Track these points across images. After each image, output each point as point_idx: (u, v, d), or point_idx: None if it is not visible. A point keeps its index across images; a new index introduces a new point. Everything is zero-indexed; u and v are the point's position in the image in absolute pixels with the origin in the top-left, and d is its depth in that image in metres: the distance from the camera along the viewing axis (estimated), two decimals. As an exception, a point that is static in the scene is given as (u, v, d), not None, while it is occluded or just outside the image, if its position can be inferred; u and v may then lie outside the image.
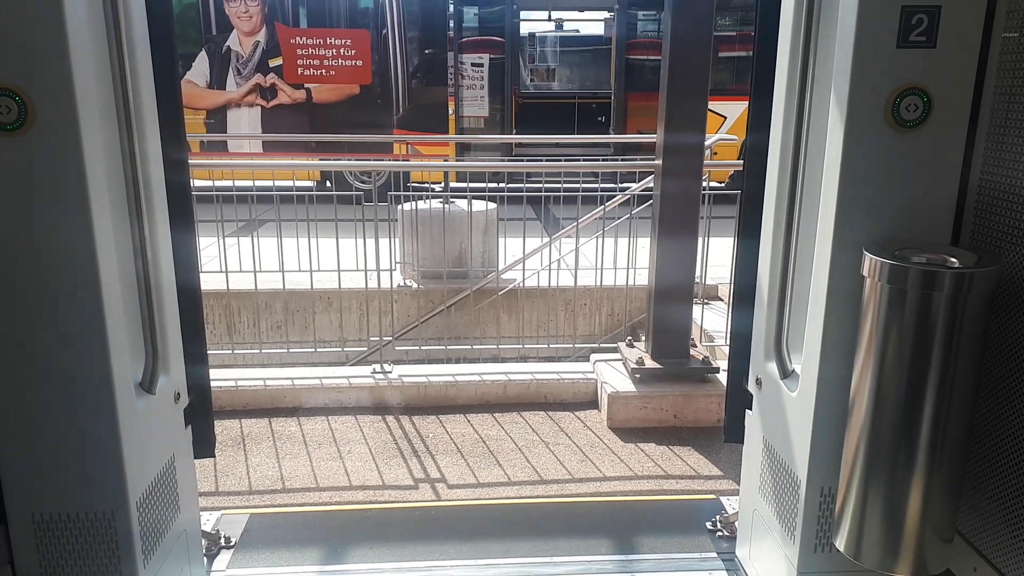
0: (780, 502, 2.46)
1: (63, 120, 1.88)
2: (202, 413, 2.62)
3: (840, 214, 2.07)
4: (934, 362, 1.89)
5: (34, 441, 2.09)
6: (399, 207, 6.45)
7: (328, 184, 6.88)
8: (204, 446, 2.68)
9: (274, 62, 9.09)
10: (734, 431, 2.78)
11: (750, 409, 2.68)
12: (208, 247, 6.04)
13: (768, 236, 2.47)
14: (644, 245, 5.50)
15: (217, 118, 9.42)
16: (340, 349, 5.62)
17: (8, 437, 2.09)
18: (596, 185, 6.34)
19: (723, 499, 3.31)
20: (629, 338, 5.17)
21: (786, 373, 2.39)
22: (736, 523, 2.95)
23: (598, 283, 5.88)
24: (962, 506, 2.14)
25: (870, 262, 1.95)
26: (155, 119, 2.31)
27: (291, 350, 5.50)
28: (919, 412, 1.93)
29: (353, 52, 9.02)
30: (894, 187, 2.06)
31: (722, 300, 6.47)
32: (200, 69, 9.02)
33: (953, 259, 1.91)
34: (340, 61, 9.09)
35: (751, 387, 2.65)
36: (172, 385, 2.46)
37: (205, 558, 2.78)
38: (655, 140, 4.58)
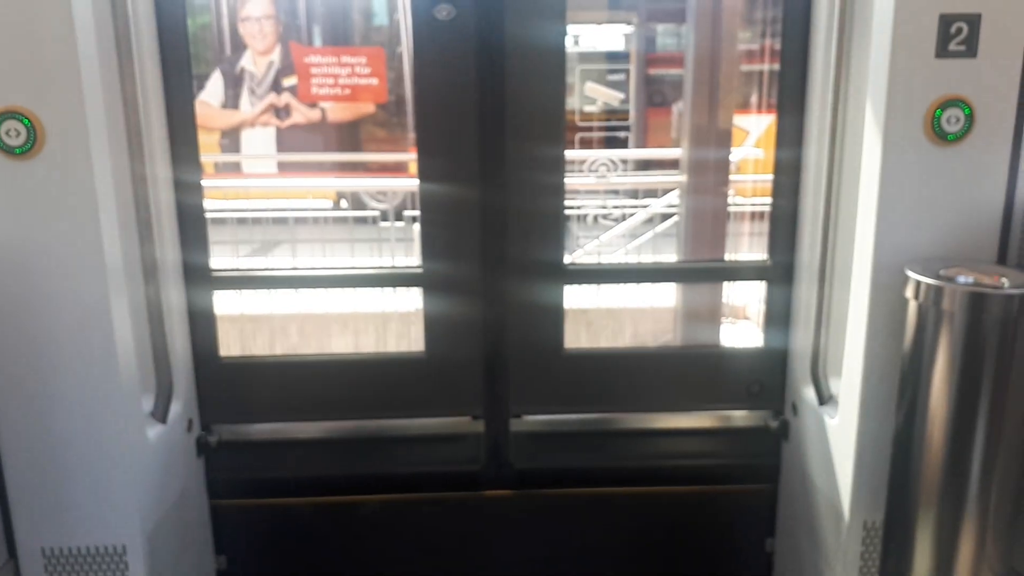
0: (821, 539, 2.34)
1: (73, 143, 1.86)
2: (216, 442, 2.55)
3: (880, 231, 1.99)
4: (984, 388, 1.81)
5: (42, 472, 2.05)
6: (415, 227, 6.38)
7: (344, 204, 6.87)
8: (218, 478, 2.59)
9: (288, 81, 9.08)
10: (765, 464, 2.66)
11: (786, 439, 2.57)
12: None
13: (803, 255, 2.38)
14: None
15: (231, 138, 9.41)
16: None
17: (17, 469, 2.04)
18: (618, 202, 6.25)
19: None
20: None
21: (824, 399, 2.29)
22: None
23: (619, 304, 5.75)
24: (1017, 542, 2.02)
25: (914, 283, 1.86)
26: (166, 141, 2.28)
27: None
28: (970, 441, 1.83)
29: (368, 70, 9.03)
30: (936, 203, 1.98)
31: (750, 320, 6.32)
32: (214, 89, 9.02)
33: (1003, 279, 1.81)
34: (355, 79, 9.10)
35: (787, 414, 2.55)
36: (185, 414, 2.41)
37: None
38: (677, 155, 4.52)
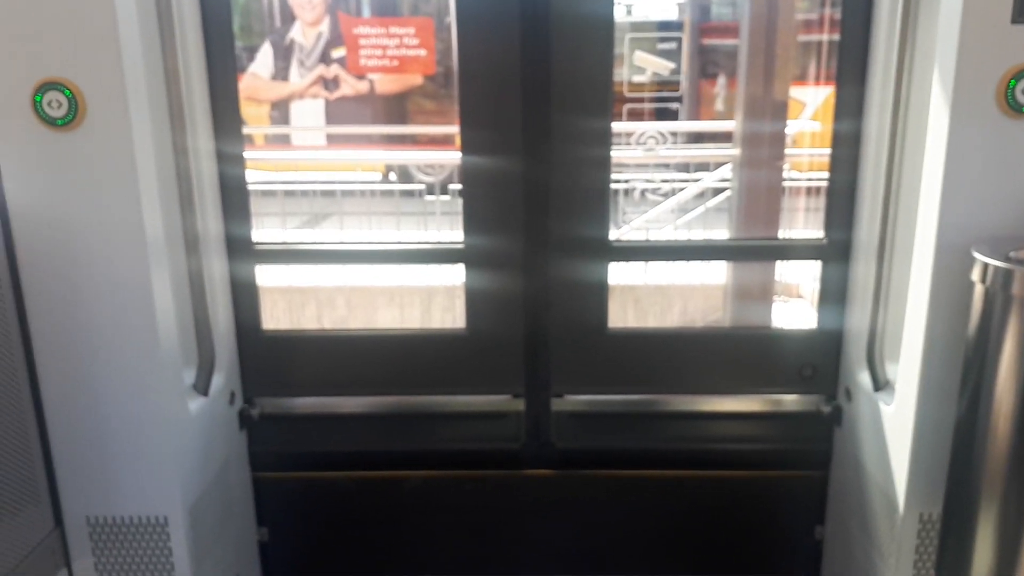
0: (874, 529, 2.26)
1: (114, 115, 1.85)
2: (258, 415, 2.56)
3: (945, 209, 1.88)
4: (1055, 376, 1.69)
5: (87, 443, 2.07)
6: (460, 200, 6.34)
7: (392, 177, 6.85)
8: (260, 451, 2.61)
9: (337, 53, 9.07)
10: (816, 450, 2.57)
11: (839, 424, 2.47)
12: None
13: (861, 231, 2.27)
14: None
15: (281, 110, 9.47)
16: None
17: (62, 439, 2.07)
18: (667, 176, 6.10)
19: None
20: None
21: (880, 384, 2.19)
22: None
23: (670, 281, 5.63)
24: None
25: (981, 265, 1.75)
26: (208, 113, 2.26)
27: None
28: (1037, 431, 1.72)
29: (417, 41, 8.96)
30: (1006, 179, 1.87)
31: (803, 298, 6.15)
32: (264, 61, 9.06)
33: None
34: (403, 51, 9.04)
35: (840, 399, 2.45)
36: (227, 386, 2.41)
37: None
38: (730, 128, 4.40)
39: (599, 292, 2.48)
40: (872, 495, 2.25)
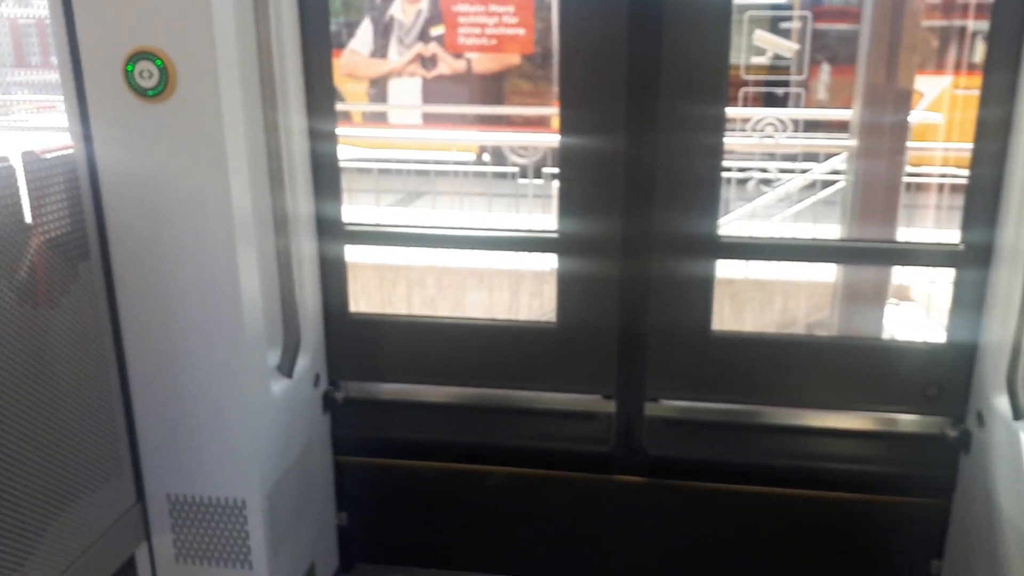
0: (1002, 570, 2.02)
1: (204, 87, 1.80)
2: (342, 399, 2.51)
3: None
4: None
5: (169, 420, 2.05)
6: (554, 184, 6.23)
7: (485, 158, 6.78)
8: (343, 435, 2.56)
9: (436, 30, 9.04)
10: (937, 477, 2.33)
11: (966, 451, 2.23)
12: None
13: (1007, 235, 2.03)
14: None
15: (379, 88, 9.52)
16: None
17: (145, 414, 2.06)
18: (776, 165, 5.80)
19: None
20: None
21: (1021, 412, 1.95)
22: None
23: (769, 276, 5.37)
24: None
25: None
26: (301, 89, 2.21)
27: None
28: None
29: (516, 20, 8.82)
30: None
31: (915, 302, 5.76)
32: (363, 38, 9.12)
33: None
34: (502, 29, 8.92)
35: (969, 423, 2.21)
36: (312, 368, 2.37)
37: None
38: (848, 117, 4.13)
39: (703, 290, 2.31)
40: (1003, 532, 2.02)
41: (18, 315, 1.70)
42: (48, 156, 1.81)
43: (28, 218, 1.74)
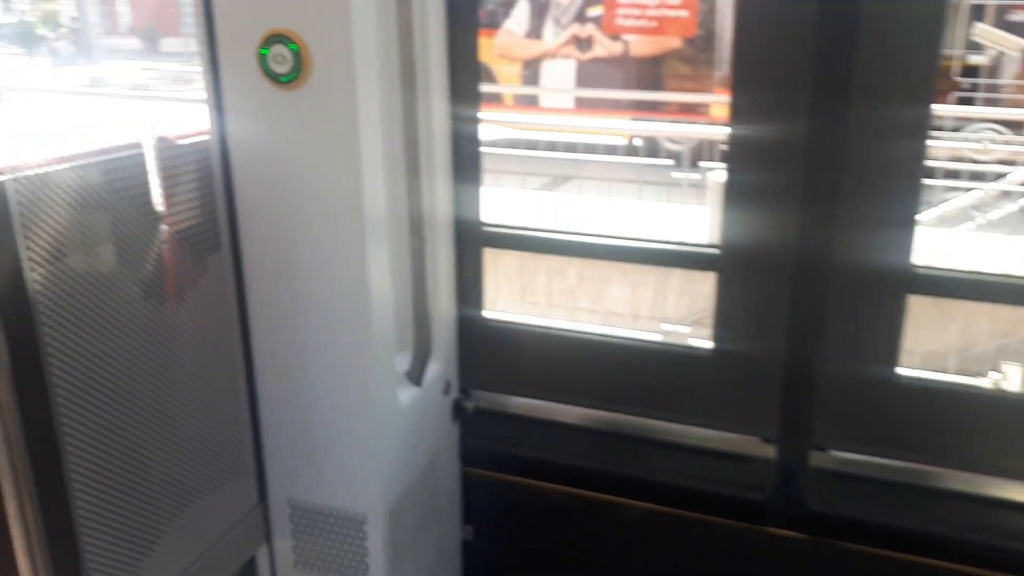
0: None
1: (339, 73, 1.68)
2: (473, 408, 2.37)
3: None
4: None
5: (293, 424, 1.98)
6: (708, 176, 5.87)
7: (636, 142, 6.49)
8: (472, 446, 2.42)
9: (593, 11, 8.76)
10: None
11: None
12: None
13: None
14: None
15: (532, 69, 9.38)
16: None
17: (271, 416, 2.00)
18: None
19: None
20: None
21: None
22: None
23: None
24: None
25: None
26: (444, 74, 2.05)
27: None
28: None
29: (679, 1, 8.40)
30: None
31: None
32: (519, 18, 8.99)
33: None
34: (663, 10, 8.53)
35: None
36: (442, 375, 2.24)
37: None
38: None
39: (890, 327, 1.97)
40: None
41: (146, 308, 1.65)
42: (181, 143, 1.74)
43: (160, 207, 1.67)
